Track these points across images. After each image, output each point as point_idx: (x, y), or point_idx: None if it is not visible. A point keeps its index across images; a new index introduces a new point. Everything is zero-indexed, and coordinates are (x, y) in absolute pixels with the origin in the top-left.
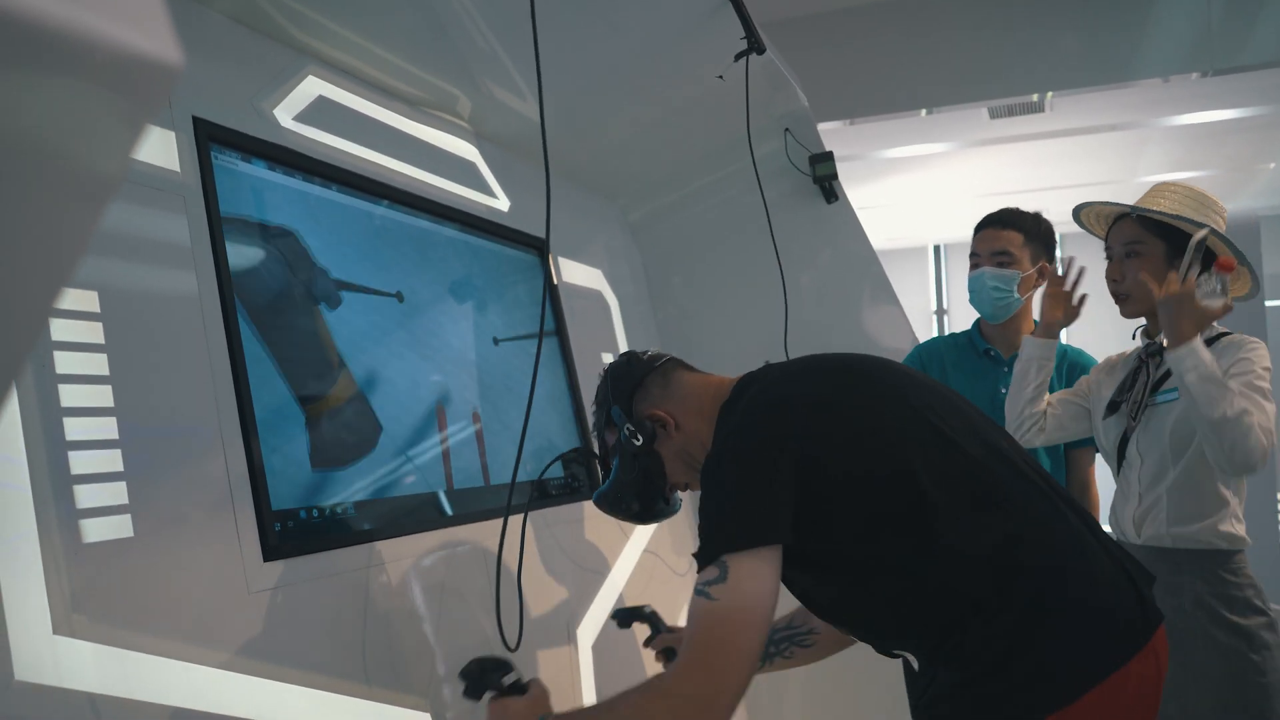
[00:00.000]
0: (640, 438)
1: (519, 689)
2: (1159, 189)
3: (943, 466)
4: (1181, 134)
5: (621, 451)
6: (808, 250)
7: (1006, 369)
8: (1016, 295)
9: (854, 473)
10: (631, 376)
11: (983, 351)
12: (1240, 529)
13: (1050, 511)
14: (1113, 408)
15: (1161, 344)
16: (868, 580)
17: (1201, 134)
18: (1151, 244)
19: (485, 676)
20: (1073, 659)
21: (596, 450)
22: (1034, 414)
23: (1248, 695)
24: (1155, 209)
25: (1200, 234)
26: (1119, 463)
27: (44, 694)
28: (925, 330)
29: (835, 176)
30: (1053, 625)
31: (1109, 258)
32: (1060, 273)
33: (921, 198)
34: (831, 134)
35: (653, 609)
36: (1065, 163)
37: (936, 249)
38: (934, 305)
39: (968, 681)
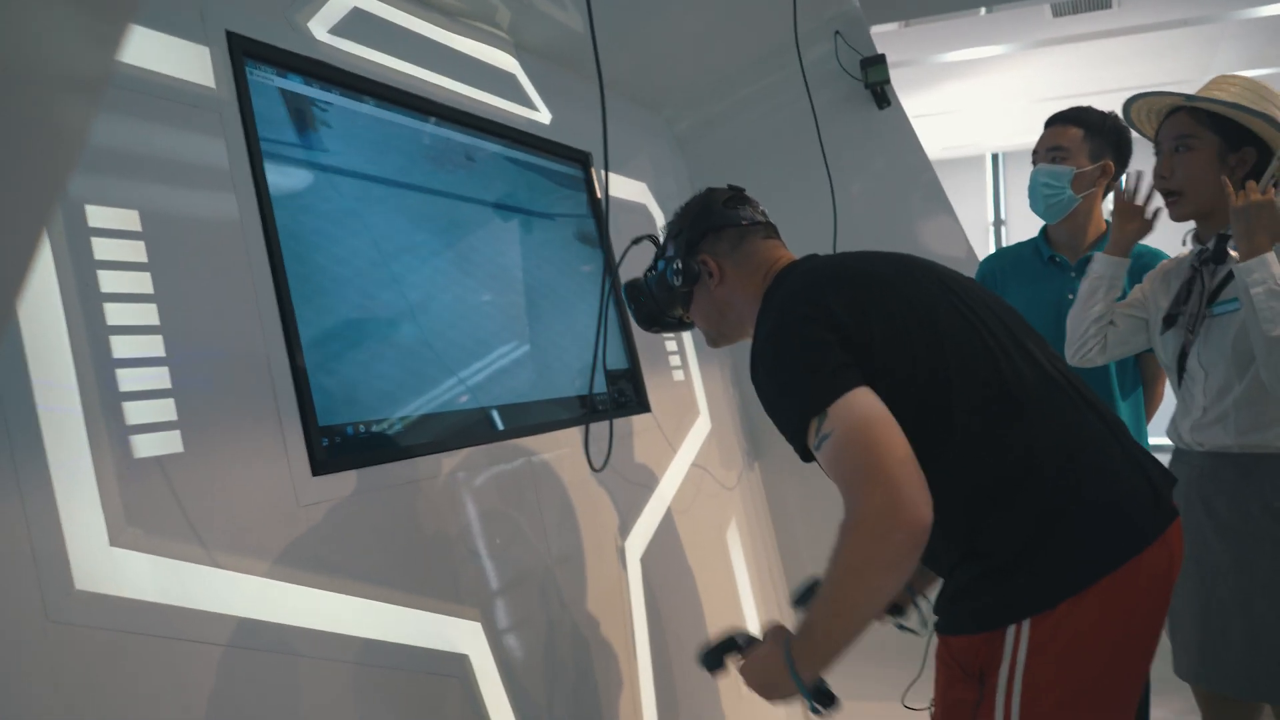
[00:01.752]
0: (681, 279)
1: (755, 642)
2: (1217, 81)
3: (972, 363)
4: (1259, 27)
5: (662, 273)
6: (859, 158)
7: (1074, 274)
8: (1070, 192)
9: (888, 360)
10: (712, 221)
11: (1048, 258)
12: None
13: (1070, 410)
14: (1169, 321)
15: (1212, 250)
16: None
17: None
18: (1204, 137)
19: (721, 648)
20: (1086, 550)
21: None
22: (1097, 333)
23: None
24: (1224, 98)
25: None
26: (1179, 375)
27: (103, 602)
28: (981, 242)
29: (888, 81)
30: (1068, 520)
31: (1158, 153)
32: (1125, 185)
33: (979, 104)
34: (884, 38)
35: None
36: (1132, 63)
37: (994, 157)
38: (991, 216)
39: (987, 572)
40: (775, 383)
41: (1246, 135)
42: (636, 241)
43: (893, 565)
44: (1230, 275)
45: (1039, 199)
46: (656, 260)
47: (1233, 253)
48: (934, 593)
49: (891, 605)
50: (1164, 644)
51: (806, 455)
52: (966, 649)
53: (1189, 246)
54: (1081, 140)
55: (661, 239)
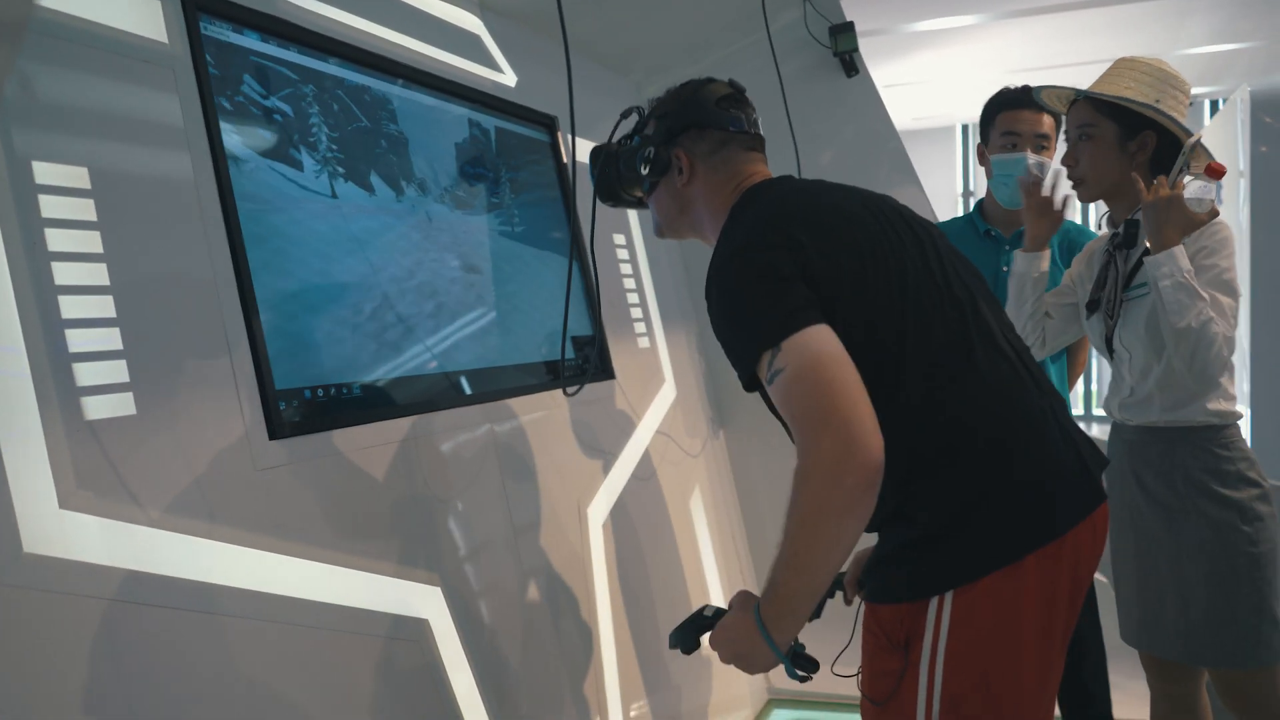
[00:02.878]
0: (650, 168)
1: (723, 613)
2: (1119, 66)
3: (930, 324)
4: (1226, 1)
5: (633, 153)
6: (826, 126)
7: (1008, 247)
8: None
9: (848, 307)
10: (699, 117)
11: (983, 232)
12: (1230, 405)
13: (1015, 384)
14: (1092, 306)
15: (1123, 235)
16: None
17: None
18: (1103, 126)
19: (691, 625)
20: (1012, 526)
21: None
22: (1034, 329)
23: (1238, 565)
24: (1106, 92)
25: (1192, 140)
26: (1110, 355)
27: (52, 565)
28: (950, 212)
29: (856, 49)
30: (997, 494)
31: (1067, 141)
32: (1029, 177)
33: (950, 75)
34: (854, 6)
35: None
36: (1105, 34)
37: (964, 129)
38: (960, 187)
39: (913, 540)
40: (732, 307)
41: (1145, 120)
42: (626, 114)
43: (849, 509)
44: (1140, 261)
45: (997, 184)
46: (632, 134)
47: (1147, 243)
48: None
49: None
50: (1113, 609)
51: (751, 385)
52: (891, 618)
53: (1104, 229)
54: (1054, 129)
55: (646, 111)
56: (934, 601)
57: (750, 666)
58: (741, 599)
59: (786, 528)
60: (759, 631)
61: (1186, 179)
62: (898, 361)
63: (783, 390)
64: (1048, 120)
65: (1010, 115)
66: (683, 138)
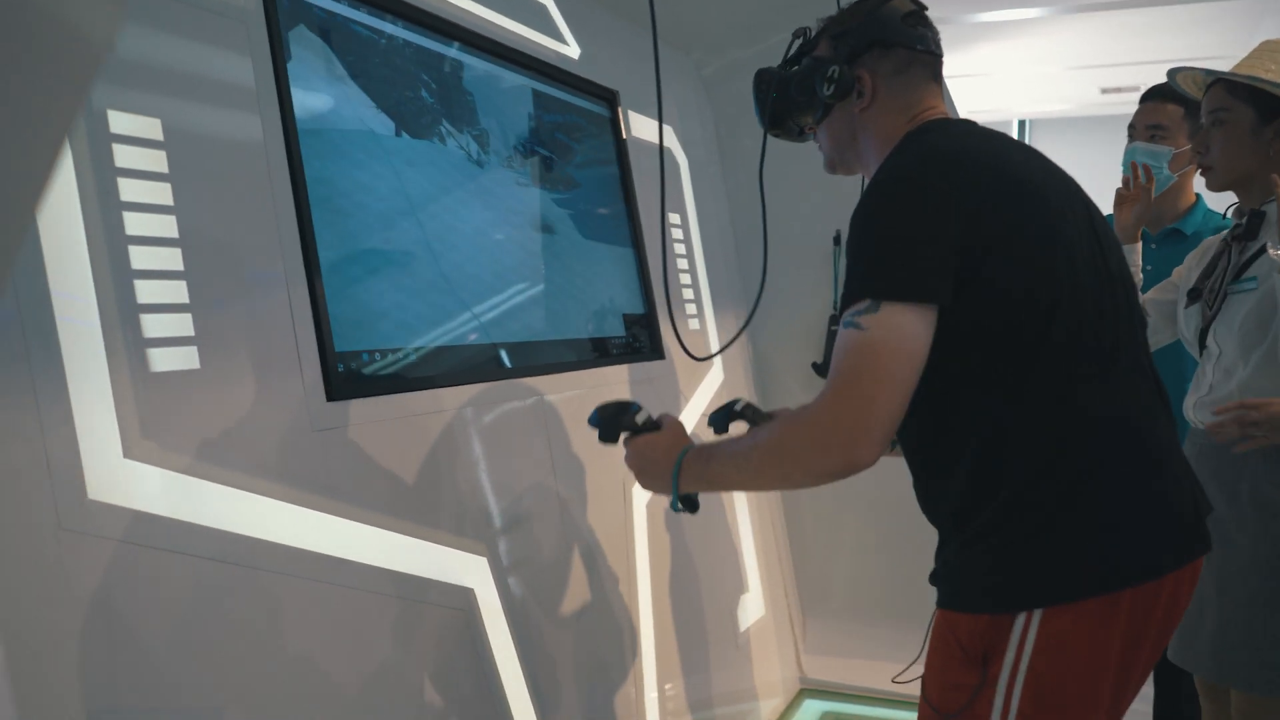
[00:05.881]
0: (832, 88)
1: (653, 425)
2: (1261, 49)
3: (1079, 311)
4: None
5: (810, 74)
6: None
7: (1154, 245)
8: (1167, 172)
9: (1000, 275)
10: (885, 34)
11: None
12: None
13: (1149, 401)
14: (1193, 295)
15: (1244, 226)
16: (951, 392)
17: None
18: (1238, 110)
19: (618, 418)
20: (1123, 552)
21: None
22: None
23: None
24: (1244, 73)
25: None
26: (1200, 353)
27: (114, 513)
28: None
29: None
30: (1117, 512)
31: (1201, 126)
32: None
33: (1010, 68)
34: None
35: (745, 401)
36: (1171, 33)
37: (1021, 124)
38: None
39: (1005, 543)
40: (867, 235)
41: None
42: (798, 34)
43: (814, 475)
44: (1256, 254)
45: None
46: (800, 54)
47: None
48: None
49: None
50: None
51: (843, 309)
52: (970, 629)
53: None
54: (1181, 118)
55: (814, 32)
56: (1021, 618)
57: (645, 484)
58: (672, 428)
59: (758, 435)
60: (672, 468)
61: None
62: (1034, 339)
63: (848, 341)
64: (1169, 109)
65: (1137, 110)
66: (866, 56)
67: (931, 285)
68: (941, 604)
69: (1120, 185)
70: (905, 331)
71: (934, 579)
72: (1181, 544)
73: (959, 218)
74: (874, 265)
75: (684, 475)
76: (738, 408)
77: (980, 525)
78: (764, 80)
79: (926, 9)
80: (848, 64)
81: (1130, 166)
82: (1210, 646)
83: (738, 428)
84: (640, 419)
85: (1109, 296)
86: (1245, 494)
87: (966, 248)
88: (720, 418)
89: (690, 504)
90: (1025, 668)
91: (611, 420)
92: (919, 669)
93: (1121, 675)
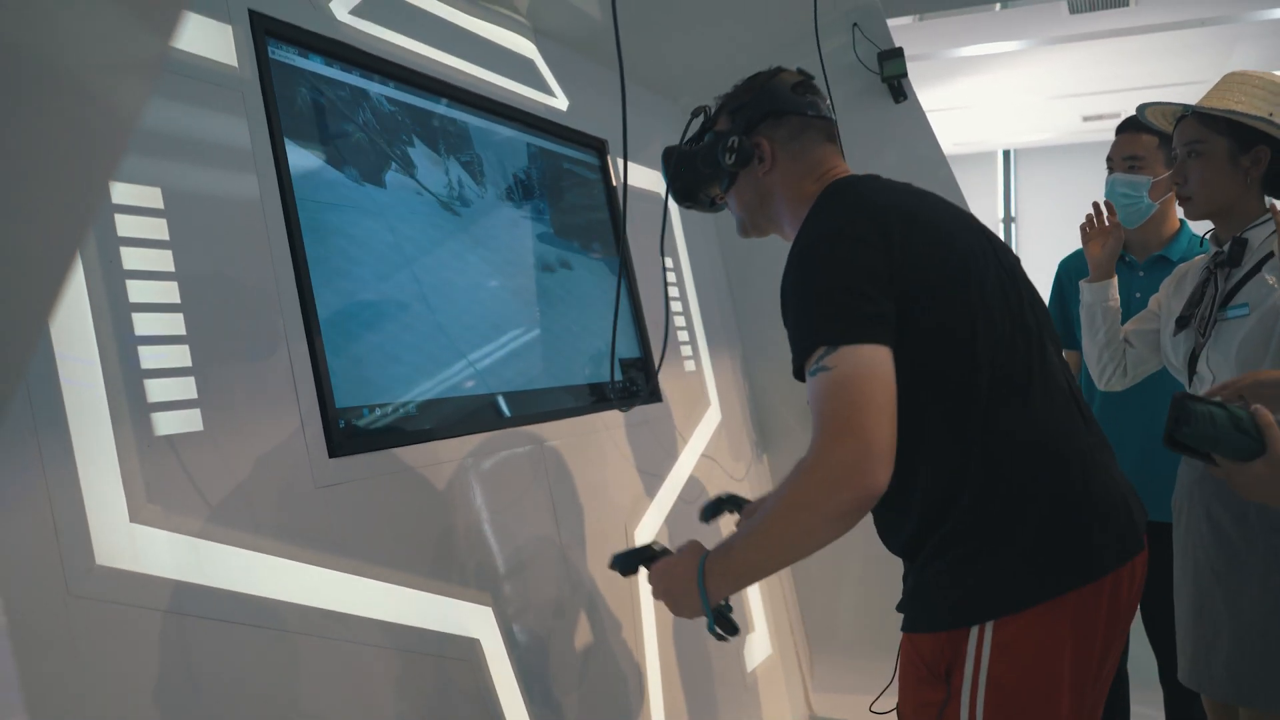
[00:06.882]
0: (733, 157)
1: (668, 553)
2: (1228, 80)
3: (994, 338)
4: (1276, 29)
5: (712, 147)
6: (874, 152)
7: (1141, 273)
8: (1147, 200)
9: (931, 314)
10: (776, 104)
11: (1117, 257)
12: None
13: (1070, 417)
14: (1182, 323)
15: (1228, 253)
16: (901, 428)
17: None
18: (1213, 141)
19: (634, 553)
20: (1060, 559)
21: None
22: (1113, 357)
23: None
24: (1217, 106)
25: None
26: (1189, 379)
27: (122, 577)
28: None
29: (904, 75)
30: (1049, 524)
31: (1174, 158)
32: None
33: (992, 100)
34: (898, 31)
35: (728, 493)
36: (1148, 61)
37: (1006, 154)
38: (1001, 213)
39: (953, 564)
40: (807, 292)
41: (1258, 135)
42: (696, 113)
43: (833, 517)
44: (1243, 280)
45: (1118, 207)
46: (703, 131)
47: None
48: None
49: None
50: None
51: (800, 374)
52: (932, 647)
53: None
54: (1156, 148)
55: (713, 109)
56: (974, 630)
57: (676, 608)
58: (691, 546)
59: (768, 504)
60: (697, 579)
61: None
62: (964, 375)
63: (821, 387)
64: (1144, 139)
65: (1113, 143)
66: (762, 125)
67: (874, 330)
68: (904, 627)
69: (1084, 222)
70: (870, 360)
71: (899, 607)
72: (1115, 547)
73: (887, 265)
74: (820, 318)
75: (710, 579)
76: (725, 497)
77: (930, 550)
78: (670, 157)
79: (814, 78)
80: (745, 134)
81: (1093, 205)
82: (1225, 669)
83: (726, 523)
84: (658, 548)
85: (1020, 325)
86: (1253, 514)
87: (898, 292)
88: (711, 510)
89: (727, 624)
90: (985, 678)
91: (628, 556)
92: (891, 697)
93: (1077, 674)
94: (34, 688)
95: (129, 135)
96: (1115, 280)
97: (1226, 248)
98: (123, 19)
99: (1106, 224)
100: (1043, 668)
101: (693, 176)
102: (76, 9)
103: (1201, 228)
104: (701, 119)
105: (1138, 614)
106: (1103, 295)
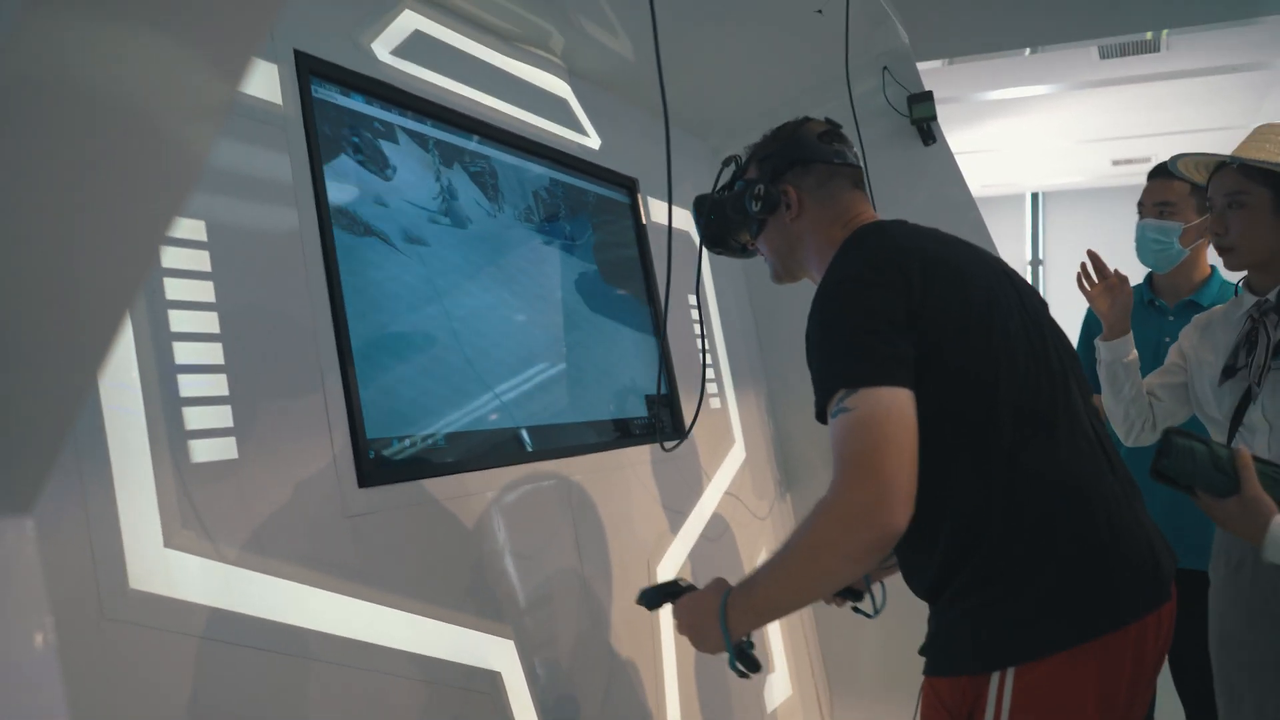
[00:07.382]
0: (760, 204)
1: (693, 589)
2: (1262, 132)
3: (1019, 383)
4: None
5: (741, 194)
6: (903, 194)
7: (1172, 318)
8: (1178, 246)
9: (950, 358)
10: (803, 152)
11: (1147, 301)
12: None
13: (1096, 461)
14: (1228, 373)
15: (1274, 301)
16: (925, 470)
17: None
18: (1255, 193)
19: (662, 590)
20: (1084, 606)
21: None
22: (1140, 412)
23: None
24: (1259, 158)
25: None
26: (1231, 429)
27: (155, 602)
28: None
29: (934, 118)
30: (1075, 569)
31: (1210, 209)
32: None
33: (1021, 143)
34: (930, 74)
35: (688, 583)
36: (1178, 107)
37: (1034, 197)
38: (1029, 256)
39: (975, 609)
40: (831, 334)
41: None
42: (727, 163)
43: (853, 558)
44: None
45: (1148, 253)
46: (734, 180)
47: None
48: (889, 578)
49: (847, 589)
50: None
51: (822, 416)
52: (953, 691)
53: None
54: (1188, 194)
55: (744, 158)
56: (996, 676)
57: (699, 643)
58: (715, 583)
59: (789, 542)
60: (719, 614)
61: None
62: (987, 416)
63: (842, 428)
64: (1176, 186)
65: (1145, 188)
66: (789, 174)
67: (895, 372)
68: (926, 671)
69: (1079, 272)
70: (890, 402)
71: (921, 650)
72: (1141, 594)
73: (908, 309)
74: (841, 361)
75: (732, 616)
76: (681, 585)
77: (953, 593)
78: (701, 204)
79: (841, 127)
80: (772, 182)
81: (1088, 254)
82: None
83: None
84: (683, 584)
85: (1044, 368)
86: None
87: (919, 335)
88: (654, 595)
89: (749, 661)
90: None
91: (655, 591)
92: None
93: None
94: (68, 710)
95: (195, 176)
96: (1131, 336)
97: (1274, 296)
98: (192, 63)
99: (1111, 279)
100: (1065, 716)
101: (723, 223)
102: (153, 53)
103: (1235, 274)
104: (733, 167)
105: (1165, 664)
106: (1121, 352)
